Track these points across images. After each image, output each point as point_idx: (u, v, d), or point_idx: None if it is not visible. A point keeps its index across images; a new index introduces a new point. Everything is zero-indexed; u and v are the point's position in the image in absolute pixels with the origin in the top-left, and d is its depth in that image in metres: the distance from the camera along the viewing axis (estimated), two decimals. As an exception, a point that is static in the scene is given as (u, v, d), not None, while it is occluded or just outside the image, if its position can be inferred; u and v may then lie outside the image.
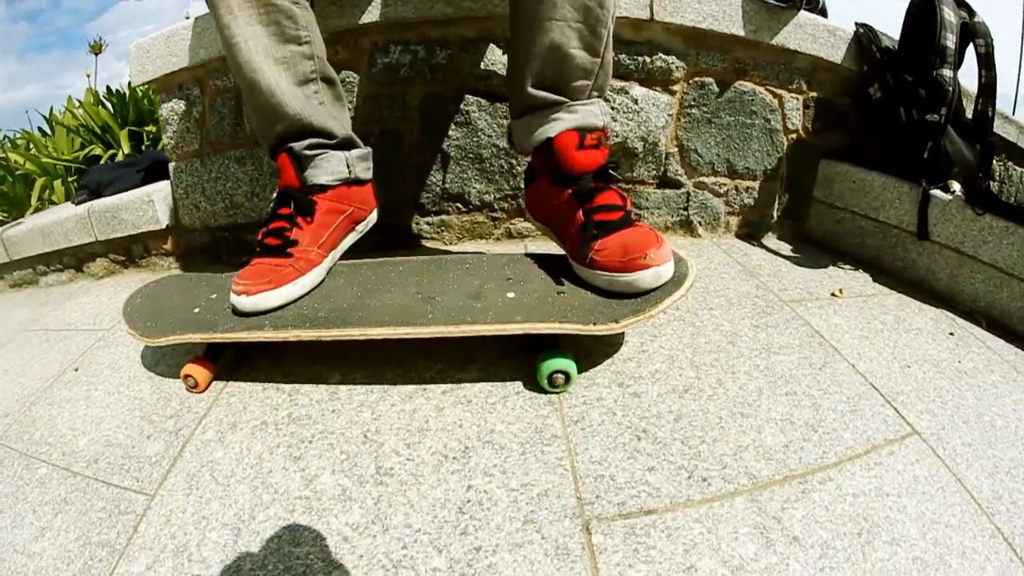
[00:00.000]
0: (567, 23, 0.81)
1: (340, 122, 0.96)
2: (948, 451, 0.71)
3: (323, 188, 0.94)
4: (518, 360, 0.84)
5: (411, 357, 0.89)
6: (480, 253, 1.12)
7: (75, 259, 1.90)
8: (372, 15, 1.18)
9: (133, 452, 0.86)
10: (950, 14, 1.22)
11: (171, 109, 1.39)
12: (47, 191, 2.40)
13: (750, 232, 1.43)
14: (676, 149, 1.33)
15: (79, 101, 2.56)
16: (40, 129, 2.74)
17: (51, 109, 2.69)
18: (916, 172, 1.19)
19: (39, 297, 1.94)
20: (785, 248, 1.37)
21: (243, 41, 0.88)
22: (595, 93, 0.89)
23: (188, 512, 0.72)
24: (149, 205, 1.51)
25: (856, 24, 1.35)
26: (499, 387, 0.79)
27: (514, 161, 1.29)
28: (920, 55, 1.23)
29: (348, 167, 0.96)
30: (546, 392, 0.77)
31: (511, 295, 0.80)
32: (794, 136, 1.37)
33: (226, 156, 1.38)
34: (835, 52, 1.31)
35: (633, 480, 0.62)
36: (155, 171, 1.71)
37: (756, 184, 1.39)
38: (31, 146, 2.71)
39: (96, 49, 3.40)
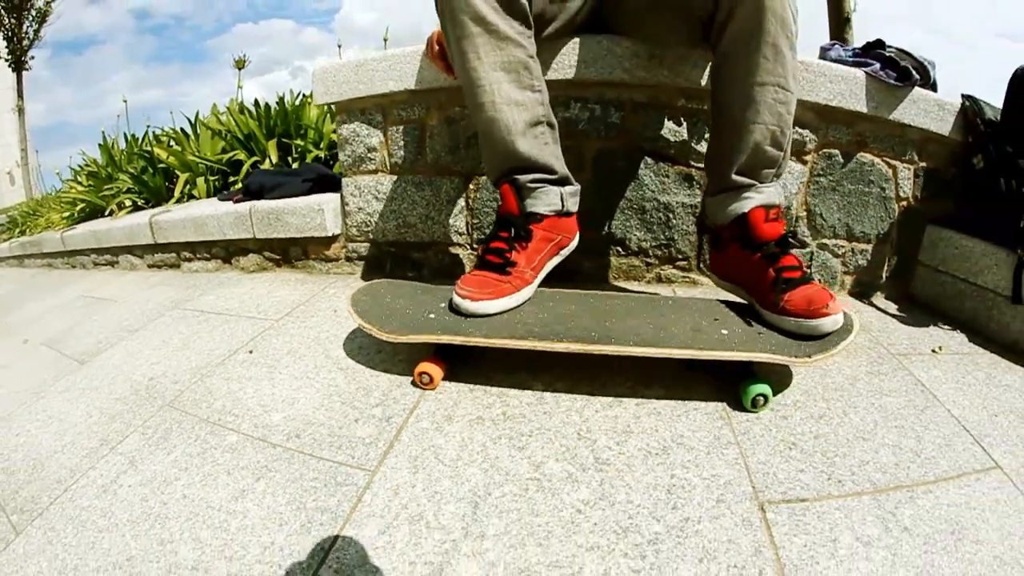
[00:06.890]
0: (766, 126, 1.07)
1: (560, 161, 1.18)
2: (1025, 485, 0.85)
3: (539, 217, 1.16)
4: (690, 382, 1.09)
5: (604, 374, 1.11)
6: (693, 297, 1.29)
7: (225, 251, 2.17)
8: (560, 73, 1.40)
9: (341, 432, 0.99)
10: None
11: (352, 131, 1.65)
12: (189, 186, 2.74)
13: (862, 291, 1.60)
14: (805, 213, 1.54)
15: (225, 108, 2.95)
16: (182, 129, 3.13)
17: (196, 113, 3.06)
18: (1014, 240, 1.28)
19: (183, 280, 2.16)
20: (892, 307, 1.54)
21: (488, 84, 1.08)
22: (776, 177, 1.14)
23: (418, 487, 0.85)
24: (318, 213, 1.79)
25: (962, 96, 1.45)
26: (680, 404, 1.04)
27: (671, 215, 1.52)
28: (1021, 127, 1.33)
29: (562, 201, 1.17)
30: (746, 411, 1.01)
31: (725, 331, 1.05)
32: (905, 204, 1.52)
33: (404, 180, 1.64)
34: (943, 125, 1.44)
35: (789, 477, 0.87)
36: (322, 183, 2.02)
37: (870, 247, 1.55)
38: (173, 143, 3.06)
39: (240, 64, 3.90)
